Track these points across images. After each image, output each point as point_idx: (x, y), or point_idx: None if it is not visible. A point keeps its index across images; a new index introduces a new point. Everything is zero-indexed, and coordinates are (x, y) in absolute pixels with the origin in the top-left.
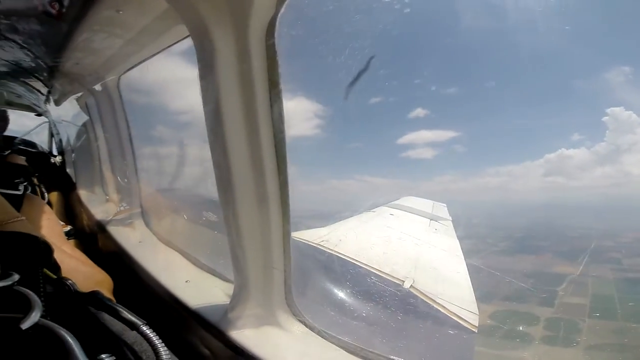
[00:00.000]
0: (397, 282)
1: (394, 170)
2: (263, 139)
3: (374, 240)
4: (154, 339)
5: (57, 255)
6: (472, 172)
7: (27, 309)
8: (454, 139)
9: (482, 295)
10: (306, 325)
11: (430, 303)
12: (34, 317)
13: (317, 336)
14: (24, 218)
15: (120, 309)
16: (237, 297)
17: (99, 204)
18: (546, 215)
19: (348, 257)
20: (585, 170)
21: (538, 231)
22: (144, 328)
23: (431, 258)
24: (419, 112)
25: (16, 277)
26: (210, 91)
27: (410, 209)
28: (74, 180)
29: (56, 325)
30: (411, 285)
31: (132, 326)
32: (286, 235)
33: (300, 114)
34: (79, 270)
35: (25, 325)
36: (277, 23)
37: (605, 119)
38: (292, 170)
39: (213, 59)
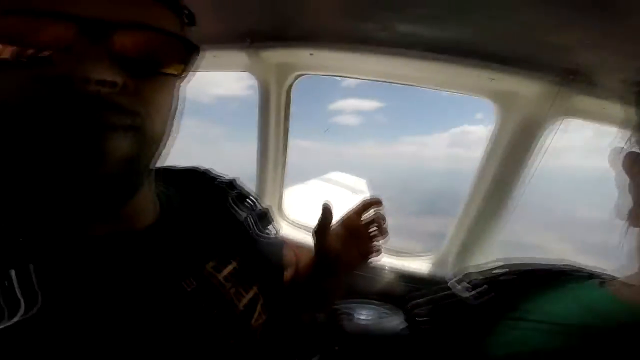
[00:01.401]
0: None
1: (323, 135)
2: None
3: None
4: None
5: None
6: (391, 140)
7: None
8: (378, 110)
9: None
10: None
11: None
12: None
13: None
14: None
15: None
16: None
17: None
18: (449, 180)
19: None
20: (480, 144)
21: (442, 195)
22: None
23: None
24: (351, 82)
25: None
26: (265, 117)
27: (337, 182)
28: None
29: None
30: None
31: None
32: None
33: (233, 72)
34: None
35: None
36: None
37: None
38: (218, 131)
39: (267, 100)
